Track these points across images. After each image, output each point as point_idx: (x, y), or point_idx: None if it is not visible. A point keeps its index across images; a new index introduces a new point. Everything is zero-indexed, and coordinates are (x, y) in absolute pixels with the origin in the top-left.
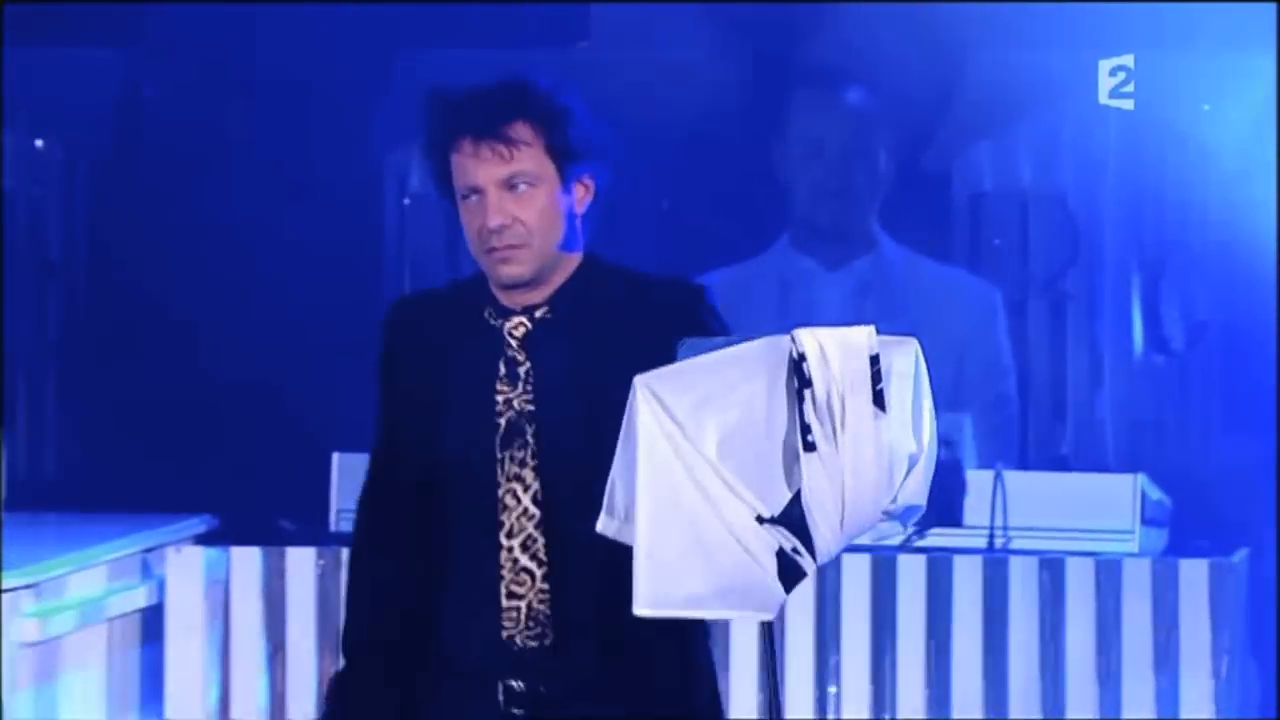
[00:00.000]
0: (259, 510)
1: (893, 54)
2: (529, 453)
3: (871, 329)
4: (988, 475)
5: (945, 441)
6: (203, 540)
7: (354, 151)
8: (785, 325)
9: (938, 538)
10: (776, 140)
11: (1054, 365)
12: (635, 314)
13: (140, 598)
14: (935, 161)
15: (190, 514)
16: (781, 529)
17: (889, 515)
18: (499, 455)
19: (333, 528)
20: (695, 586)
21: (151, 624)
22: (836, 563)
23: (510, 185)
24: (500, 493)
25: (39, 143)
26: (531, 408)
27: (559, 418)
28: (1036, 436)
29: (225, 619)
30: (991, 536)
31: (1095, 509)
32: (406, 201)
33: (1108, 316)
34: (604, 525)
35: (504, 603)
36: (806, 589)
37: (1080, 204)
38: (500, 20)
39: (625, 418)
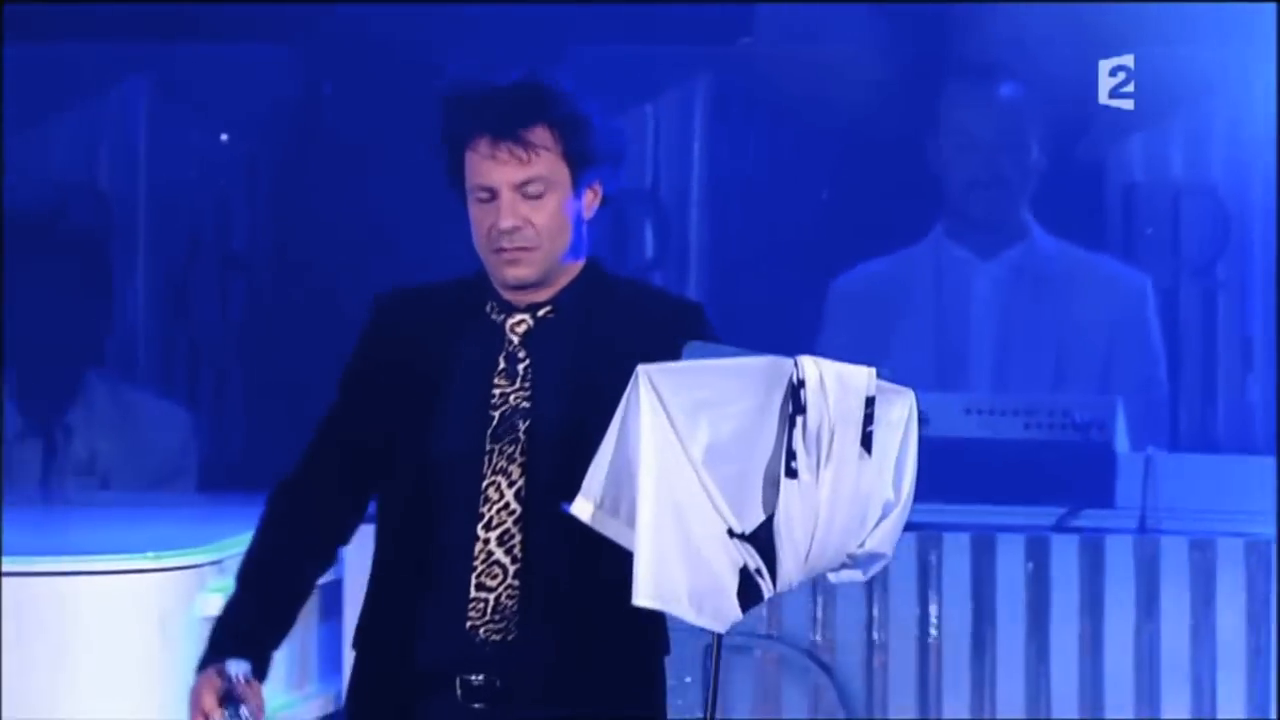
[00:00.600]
0: None
1: (1046, 48)
2: (518, 448)
3: (872, 371)
4: (1139, 457)
5: (1097, 424)
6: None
7: None
8: (941, 312)
9: (1091, 518)
10: (931, 133)
11: (1205, 351)
12: (637, 322)
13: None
14: (1088, 153)
15: None
16: (748, 547)
17: (852, 559)
18: (488, 448)
19: None
20: (678, 585)
21: (330, 598)
22: (990, 542)
23: (524, 188)
24: (484, 484)
25: (224, 137)
26: (527, 404)
27: (553, 416)
28: (1188, 420)
29: None
30: (1143, 517)
31: (1244, 491)
32: None
33: (1257, 303)
34: (579, 509)
35: (472, 593)
36: (962, 569)
37: (1230, 194)
38: (664, 16)
39: (621, 406)
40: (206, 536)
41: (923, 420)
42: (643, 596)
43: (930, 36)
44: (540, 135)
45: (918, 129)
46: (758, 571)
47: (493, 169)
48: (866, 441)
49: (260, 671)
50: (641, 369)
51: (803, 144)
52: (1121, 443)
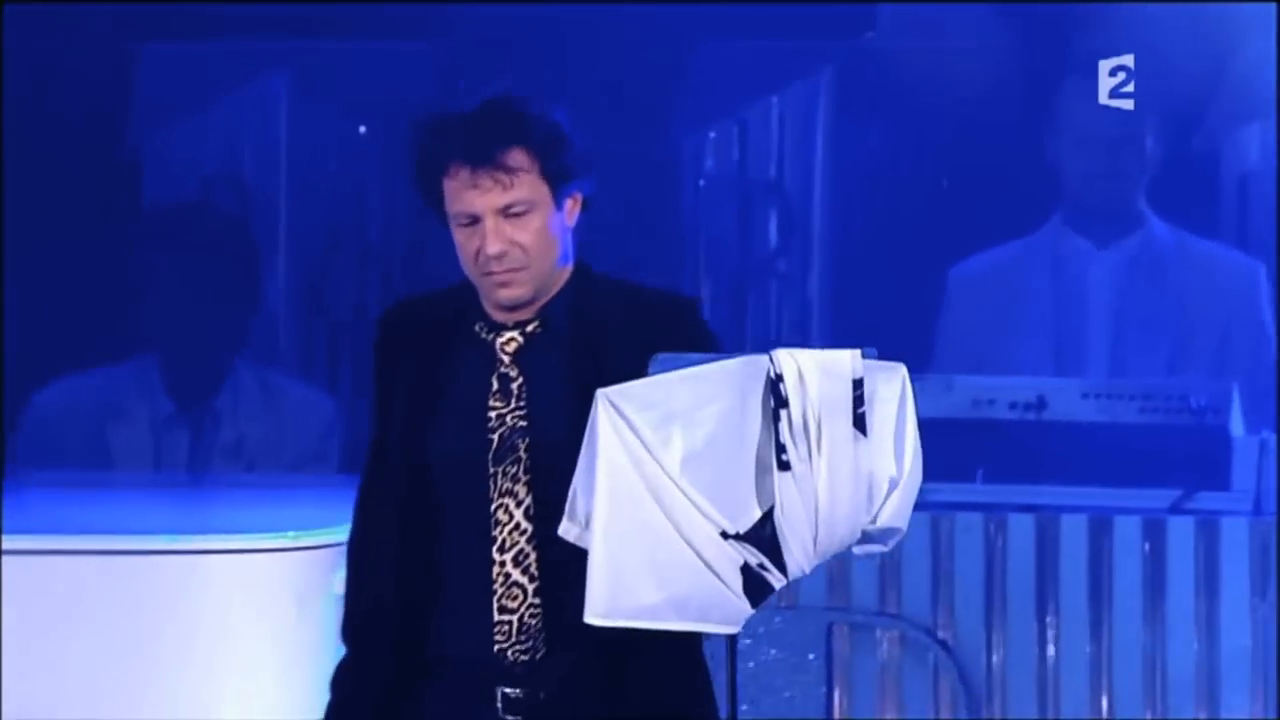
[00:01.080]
0: None
1: (1162, 41)
2: (521, 468)
3: (857, 353)
4: (1254, 441)
5: (1213, 408)
6: None
7: (654, 136)
8: (1059, 299)
9: (1207, 501)
10: (1049, 125)
11: None
12: (628, 326)
13: None
14: (1204, 143)
15: None
16: (747, 545)
17: (868, 536)
18: (491, 470)
19: None
20: (650, 598)
21: None
22: (1107, 524)
23: (507, 211)
24: (492, 508)
25: (362, 130)
26: (524, 423)
27: (551, 432)
28: None
29: None
30: (1258, 500)
31: None
32: (701, 183)
33: None
34: (565, 530)
35: (496, 616)
36: (1080, 550)
37: None
38: (789, 11)
39: (588, 428)
40: (345, 518)
41: (1041, 404)
42: (593, 615)
43: (1049, 31)
44: (518, 158)
45: (1036, 121)
46: (761, 566)
47: (474, 197)
48: (860, 423)
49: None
50: (600, 392)
51: (923, 136)
52: (1236, 426)
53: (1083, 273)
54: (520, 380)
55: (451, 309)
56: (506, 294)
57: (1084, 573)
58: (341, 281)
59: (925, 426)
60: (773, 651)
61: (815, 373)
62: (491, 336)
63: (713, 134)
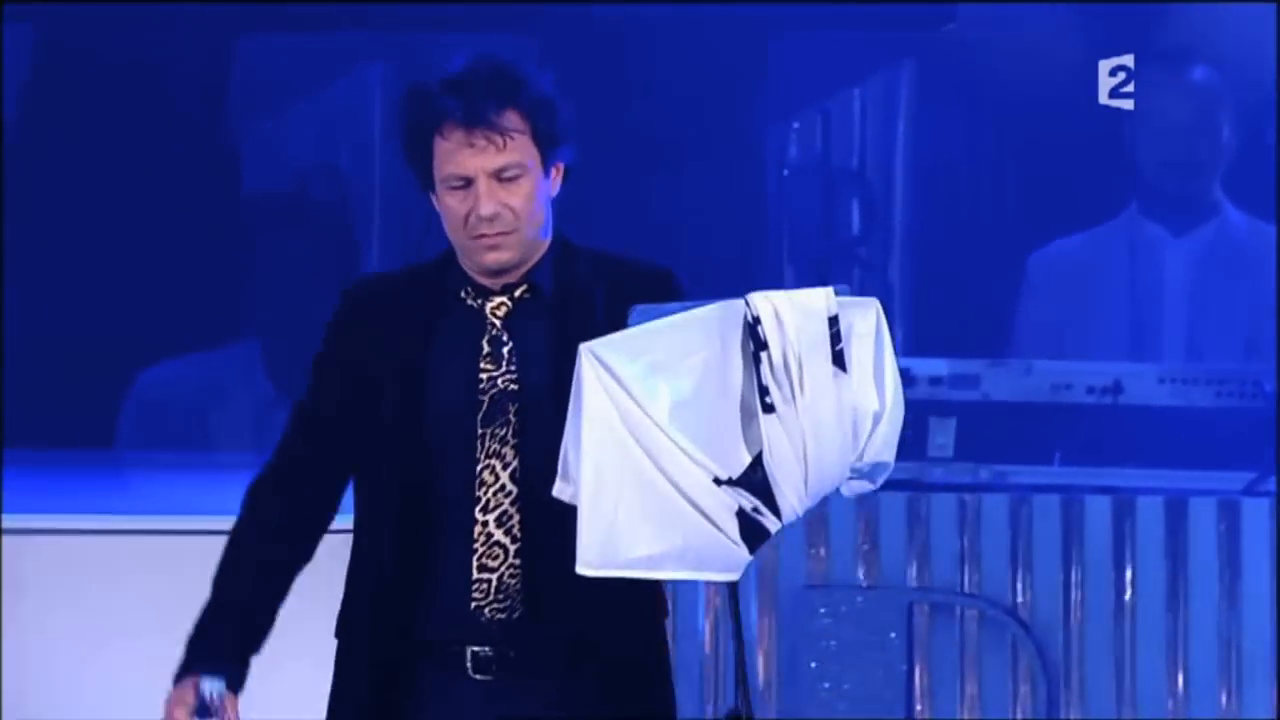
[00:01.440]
0: None
1: (1238, 31)
2: (510, 430)
3: (829, 290)
4: None
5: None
6: None
7: (740, 127)
8: (1136, 286)
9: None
10: (1127, 115)
11: None
12: (612, 293)
13: None
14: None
15: None
16: (740, 490)
17: (858, 472)
18: (480, 431)
19: None
20: (649, 549)
21: None
22: (1183, 506)
23: (500, 174)
24: (478, 468)
25: None
26: (515, 386)
27: (541, 395)
28: None
29: None
30: None
31: None
32: (786, 172)
33: None
34: (559, 490)
35: (475, 575)
36: (1156, 532)
37: None
38: (872, 4)
39: (573, 384)
40: None
41: (1118, 389)
42: (585, 566)
43: (1126, 22)
44: (512, 119)
45: (1113, 111)
46: (755, 510)
47: (468, 157)
48: (839, 359)
49: (236, 682)
50: (584, 346)
51: (1002, 125)
52: None
53: (1159, 260)
54: (510, 344)
55: (428, 280)
56: (494, 257)
57: (1159, 553)
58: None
59: (1005, 410)
60: (854, 630)
61: (791, 312)
62: (480, 302)
63: (797, 124)
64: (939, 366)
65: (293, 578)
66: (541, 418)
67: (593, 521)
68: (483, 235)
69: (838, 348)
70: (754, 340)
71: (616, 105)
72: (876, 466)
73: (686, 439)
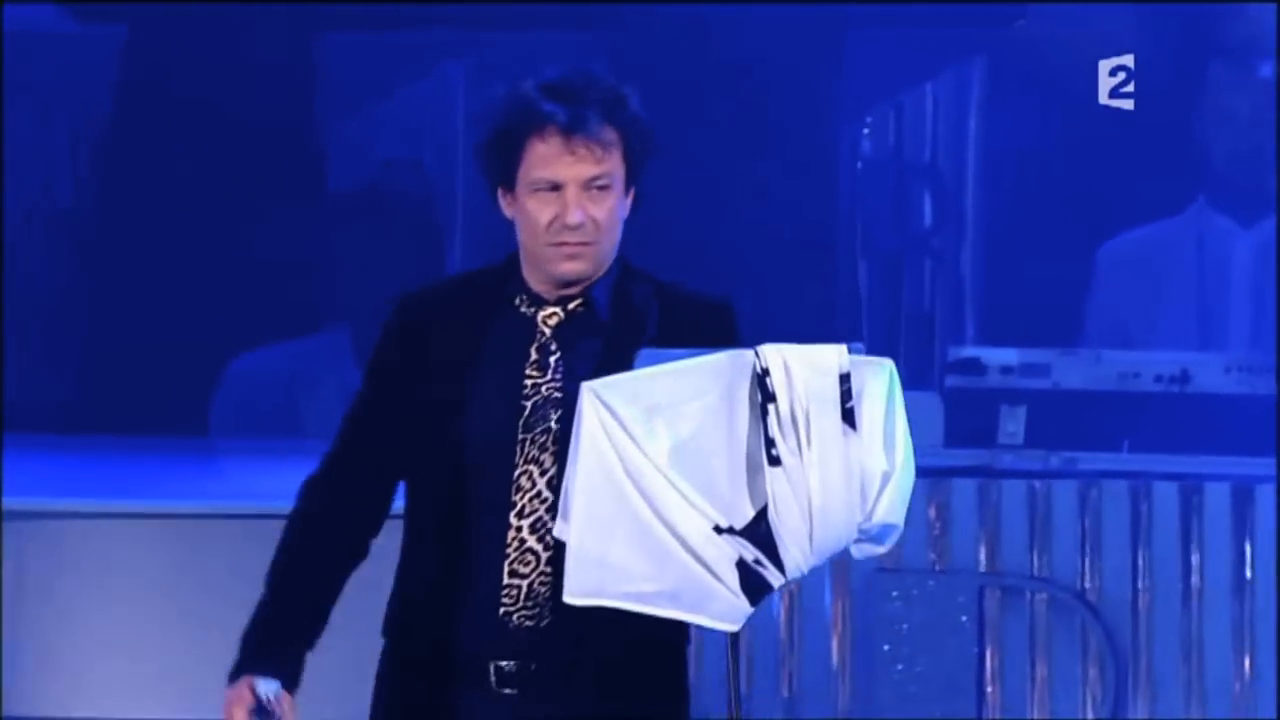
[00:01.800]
0: None
1: None
2: (550, 437)
3: (843, 348)
4: None
5: None
6: None
7: (814, 122)
8: (1203, 276)
9: None
10: (1196, 108)
11: None
12: (666, 318)
13: None
14: None
15: None
16: (741, 540)
17: (865, 535)
18: (520, 437)
19: None
20: (642, 586)
21: None
22: (1249, 492)
23: (591, 185)
24: (516, 474)
25: None
26: (559, 394)
27: None
28: None
29: None
30: None
31: None
32: (859, 166)
33: None
34: (559, 530)
35: (505, 580)
36: (1223, 517)
37: None
38: (941, 1)
39: (574, 423)
40: None
41: (1185, 377)
42: (570, 594)
43: (1196, 16)
44: (610, 134)
45: (1182, 105)
46: (757, 562)
47: (565, 164)
48: (849, 417)
49: (292, 680)
50: (586, 385)
51: (1072, 119)
52: None
53: (1226, 251)
54: (559, 354)
55: (486, 285)
56: (571, 266)
57: (1226, 539)
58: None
59: (1075, 398)
60: (926, 613)
61: (801, 367)
62: (533, 311)
63: (870, 119)
64: (1010, 356)
65: (346, 575)
66: None
67: (582, 553)
68: (564, 243)
69: (848, 405)
70: (762, 391)
71: (692, 100)
72: (885, 528)
73: (687, 484)
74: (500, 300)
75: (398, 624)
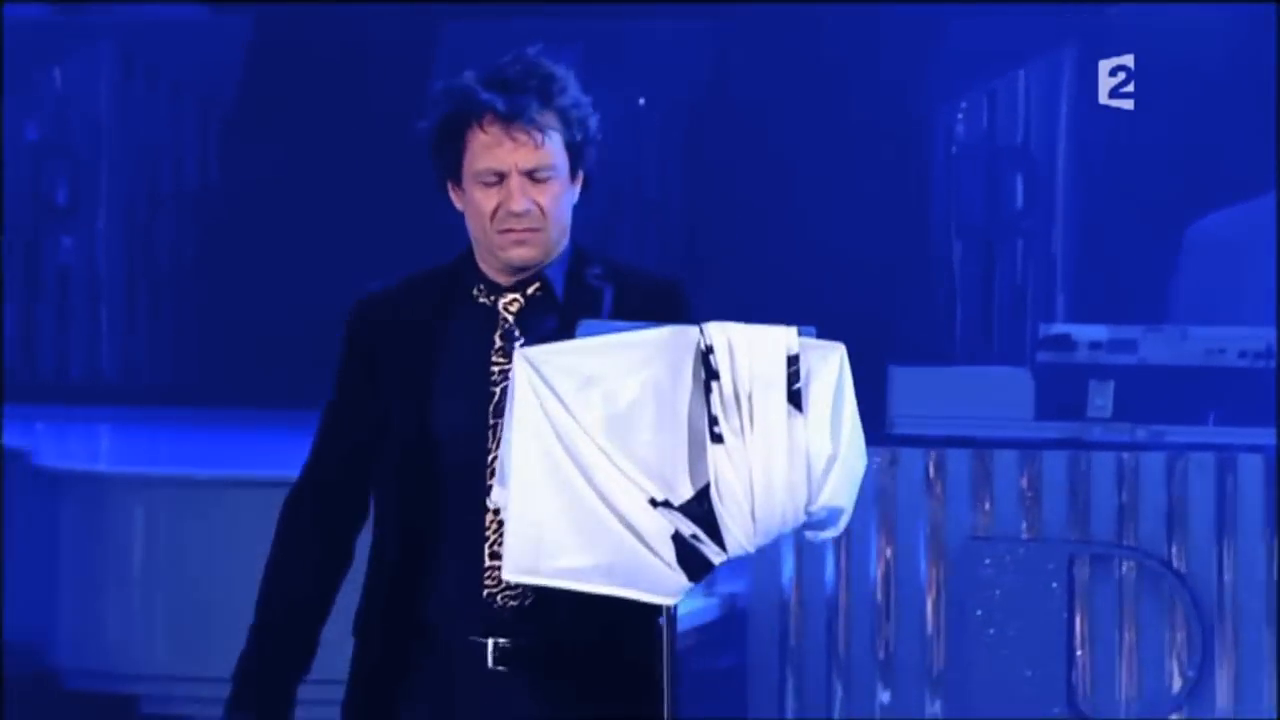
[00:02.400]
0: None
1: None
2: None
3: (793, 330)
4: None
5: None
6: None
7: (910, 107)
8: None
9: None
10: None
11: None
12: (619, 296)
13: None
14: None
15: None
16: (678, 514)
17: (813, 517)
18: (491, 422)
19: (889, 430)
20: (576, 560)
21: None
22: None
23: (534, 173)
24: (489, 458)
25: (641, 101)
26: None
27: None
28: None
29: None
30: None
31: None
32: (953, 149)
33: None
34: (497, 496)
35: (486, 562)
36: None
37: None
38: None
39: (509, 390)
40: None
41: (1269, 353)
42: (511, 572)
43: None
44: (549, 120)
45: (1269, 89)
46: (694, 537)
47: (505, 152)
48: (795, 399)
49: (284, 711)
50: (520, 350)
51: (1160, 102)
52: None
53: None
54: (522, 339)
55: (440, 281)
56: (519, 253)
57: None
58: (622, 237)
59: (1162, 373)
60: (1017, 580)
61: (746, 347)
62: (493, 299)
63: (964, 104)
64: (1099, 332)
65: (337, 586)
66: None
67: (519, 527)
68: (510, 230)
69: (795, 387)
70: (706, 369)
71: (800, 85)
72: (832, 512)
73: (622, 455)
74: (458, 293)
75: (377, 617)
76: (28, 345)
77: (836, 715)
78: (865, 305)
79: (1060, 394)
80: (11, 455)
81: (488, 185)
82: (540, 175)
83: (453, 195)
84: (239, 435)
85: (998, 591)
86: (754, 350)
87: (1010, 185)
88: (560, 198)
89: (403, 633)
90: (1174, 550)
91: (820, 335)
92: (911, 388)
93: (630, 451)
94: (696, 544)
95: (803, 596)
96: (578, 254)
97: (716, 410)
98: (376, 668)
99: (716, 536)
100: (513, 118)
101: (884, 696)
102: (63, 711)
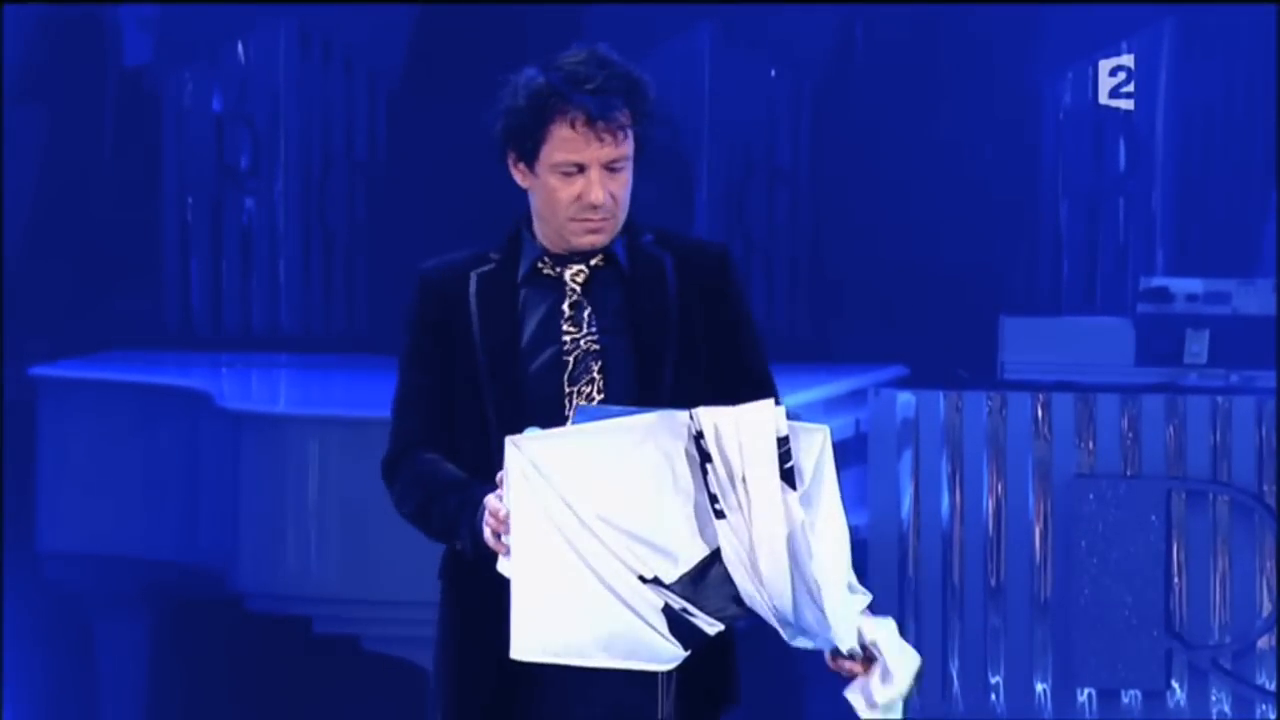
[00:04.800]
0: (941, 361)
1: None
2: (595, 387)
3: (781, 411)
4: None
5: None
6: (897, 385)
7: (1020, 78)
8: None
9: None
10: None
11: None
12: (678, 262)
13: (848, 429)
14: None
15: (886, 365)
16: (666, 590)
17: (813, 596)
18: (567, 390)
19: (1000, 376)
20: (579, 638)
21: (855, 450)
22: None
23: (610, 165)
24: (566, 425)
25: (772, 73)
26: (597, 346)
27: (621, 354)
28: None
29: (915, 448)
30: None
31: None
32: (1060, 117)
33: None
34: (502, 567)
35: None
36: None
37: None
38: None
39: (504, 476)
40: None
41: None
42: (518, 651)
43: None
44: (625, 117)
45: None
46: (685, 611)
47: (587, 148)
48: (788, 476)
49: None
50: (511, 440)
51: (1257, 73)
52: None
53: None
54: (590, 309)
55: (502, 257)
56: (592, 239)
57: None
58: (757, 201)
59: (1253, 323)
60: (1118, 514)
61: (735, 431)
62: (559, 270)
63: (1070, 75)
64: (1195, 285)
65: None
66: (624, 375)
67: (524, 610)
68: (586, 219)
69: (787, 466)
70: (700, 452)
71: (916, 59)
72: (852, 587)
73: (618, 536)
74: (521, 266)
75: (466, 568)
76: (214, 298)
77: (952, 639)
78: (979, 261)
79: (1159, 342)
80: (199, 398)
81: (566, 175)
82: (617, 166)
83: (515, 171)
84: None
85: (1100, 525)
86: (742, 433)
87: (1113, 149)
88: (628, 186)
89: (486, 580)
90: (1265, 485)
91: (938, 290)
92: (1021, 337)
93: (625, 530)
94: (687, 616)
95: (920, 529)
96: (631, 225)
97: (715, 488)
98: (465, 613)
99: (730, 601)
100: (600, 118)
101: (995, 621)
102: (244, 631)
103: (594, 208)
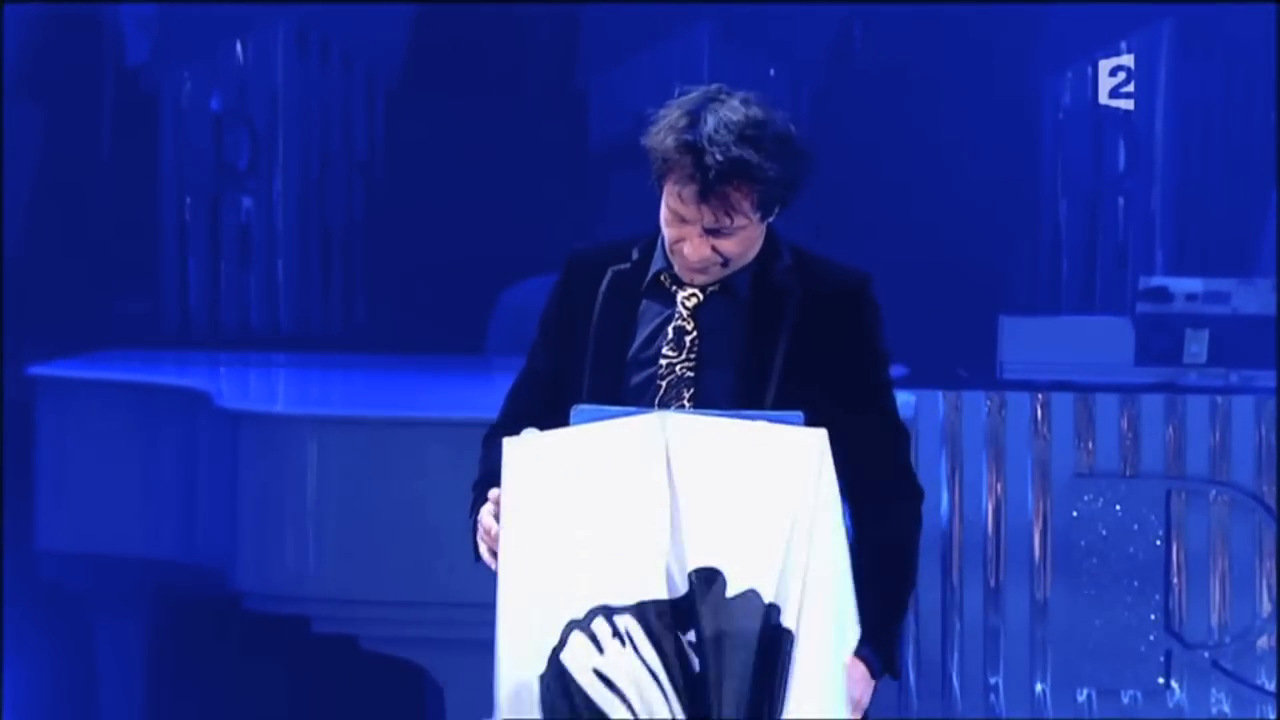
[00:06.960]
0: (940, 361)
1: None
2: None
3: (823, 437)
4: None
5: None
6: (896, 384)
7: (1019, 77)
8: None
9: None
10: None
11: None
12: (805, 294)
13: None
14: None
15: None
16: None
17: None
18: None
19: (999, 375)
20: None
21: None
22: None
23: (716, 231)
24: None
25: (771, 71)
26: (691, 374)
27: (715, 388)
28: None
29: (914, 448)
30: None
31: None
32: (1060, 116)
33: None
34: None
35: None
36: None
37: None
38: None
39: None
40: None
41: None
42: (502, 663)
43: None
44: (742, 199)
45: None
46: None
47: (691, 212)
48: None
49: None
50: (508, 441)
51: (1252, 72)
52: None
53: None
54: (695, 335)
55: (640, 256)
56: (698, 278)
57: None
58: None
59: (1248, 321)
60: (1118, 513)
61: (711, 440)
62: (674, 288)
63: (1070, 74)
64: (1194, 285)
65: None
66: (715, 408)
67: (510, 610)
68: (689, 265)
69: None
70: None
71: (917, 59)
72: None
73: (603, 541)
74: (648, 273)
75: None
76: (212, 297)
77: (952, 639)
78: (978, 261)
79: (1158, 342)
80: (198, 398)
81: (676, 216)
82: (725, 231)
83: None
84: (401, 378)
85: (1100, 525)
86: (718, 445)
87: (1113, 149)
88: (745, 240)
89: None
90: (1264, 486)
91: (937, 289)
92: (1020, 336)
93: (600, 549)
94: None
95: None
96: (768, 249)
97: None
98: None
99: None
100: (707, 192)
101: (994, 621)
102: (243, 630)
103: (692, 260)
